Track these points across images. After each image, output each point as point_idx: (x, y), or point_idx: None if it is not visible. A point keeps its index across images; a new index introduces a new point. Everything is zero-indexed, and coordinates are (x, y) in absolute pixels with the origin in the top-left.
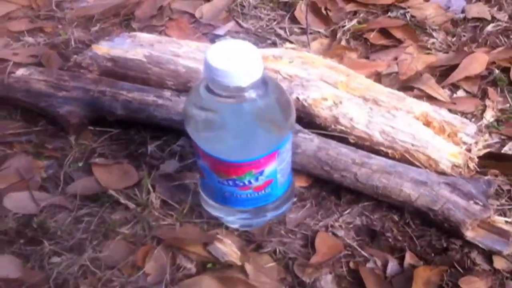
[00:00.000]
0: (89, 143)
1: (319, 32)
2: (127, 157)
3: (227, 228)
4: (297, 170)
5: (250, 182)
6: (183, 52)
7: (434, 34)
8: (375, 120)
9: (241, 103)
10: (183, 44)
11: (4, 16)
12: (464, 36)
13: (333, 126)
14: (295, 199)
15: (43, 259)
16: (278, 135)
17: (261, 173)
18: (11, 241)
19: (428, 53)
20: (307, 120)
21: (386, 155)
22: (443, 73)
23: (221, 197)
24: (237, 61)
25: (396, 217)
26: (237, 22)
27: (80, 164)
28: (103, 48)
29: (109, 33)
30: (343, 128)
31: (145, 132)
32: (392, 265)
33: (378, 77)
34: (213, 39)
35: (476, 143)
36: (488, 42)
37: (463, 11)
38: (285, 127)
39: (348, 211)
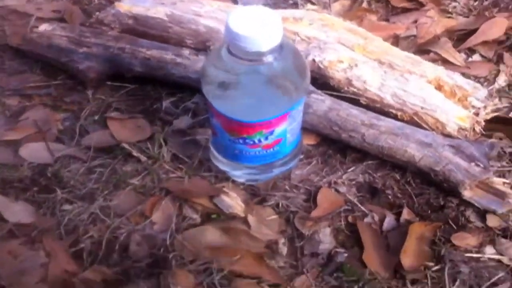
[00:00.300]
0: (106, 97)
1: None
2: (141, 112)
3: (233, 182)
4: (306, 129)
5: (260, 140)
6: (204, 12)
7: None
8: (388, 83)
9: (259, 65)
10: (205, 3)
11: None
12: (486, 0)
13: (346, 88)
14: (302, 156)
15: (55, 206)
16: (291, 98)
17: (272, 132)
18: (25, 189)
19: (449, 17)
20: (321, 81)
21: (395, 117)
22: (461, 37)
23: (231, 154)
24: (257, 26)
25: (398, 176)
26: None
27: (96, 118)
28: (125, 6)
29: None
30: (355, 90)
31: (161, 88)
32: (389, 220)
33: (396, 40)
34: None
35: (485, 107)
36: (510, 7)
37: None
38: (299, 91)
39: (352, 169)
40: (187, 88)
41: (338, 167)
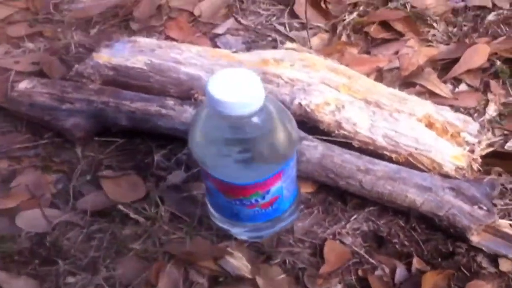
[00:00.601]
0: (95, 154)
1: (319, 26)
2: (134, 168)
3: (236, 239)
4: (302, 177)
5: (257, 200)
6: (184, 59)
7: (435, 25)
8: (377, 124)
9: (244, 128)
10: (183, 49)
11: (3, 20)
12: (465, 26)
13: (336, 131)
14: (302, 206)
15: (59, 279)
16: (282, 157)
17: (268, 192)
18: (26, 262)
19: (429, 46)
20: (310, 125)
21: (390, 159)
22: (444, 66)
23: (229, 213)
24: (238, 91)
25: (402, 222)
26: (236, 19)
27: (88, 178)
28: (104, 57)
29: (109, 35)
30: (346, 133)
31: (151, 141)
32: (400, 271)
33: (379, 73)
34: (213, 38)
35: (479, 142)
36: (490, 32)
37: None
38: (289, 148)
39: (354, 217)
40: (176, 138)
41: (340, 215)
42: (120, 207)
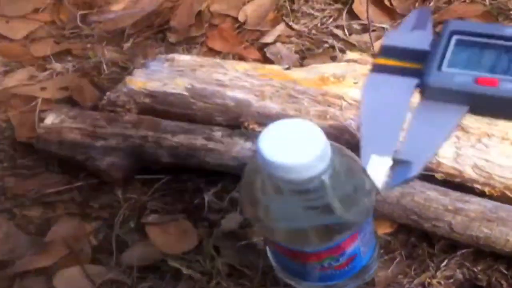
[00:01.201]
0: (138, 196)
1: (383, 28)
2: (182, 211)
3: None
4: (378, 217)
5: (330, 264)
6: (229, 80)
7: None
8: (464, 153)
9: (309, 191)
10: (228, 68)
11: (26, 37)
12: None
13: None
14: (381, 251)
15: None
16: (359, 214)
17: (342, 254)
18: None
19: None
20: None
21: (482, 193)
22: None
23: (297, 273)
24: (299, 150)
25: (503, 269)
26: (287, 24)
27: (132, 225)
28: (138, 82)
29: (144, 49)
30: (427, 164)
31: (199, 177)
32: None
33: None
34: (262, 47)
35: None
36: None
37: None
38: (366, 209)
39: (445, 262)
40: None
41: (428, 261)
42: (171, 262)
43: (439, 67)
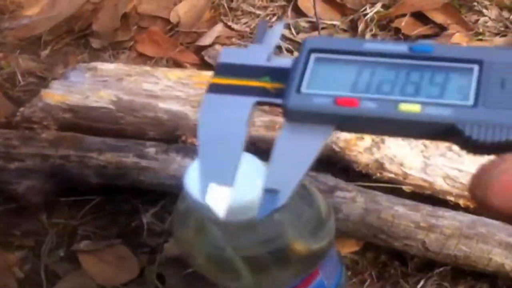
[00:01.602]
0: (66, 220)
1: (334, 25)
2: (118, 236)
3: None
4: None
5: None
6: (161, 90)
7: (485, 11)
8: (433, 162)
9: (255, 231)
10: (160, 76)
11: None
12: None
13: (378, 174)
14: (349, 273)
15: None
16: (315, 255)
17: None
18: None
19: (481, 39)
20: (341, 165)
21: (456, 205)
22: None
23: None
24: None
25: None
26: (225, 24)
27: (62, 253)
28: (55, 95)
29: (65, 57)
30: (392, 175)
31: (135, 196)
32: None
33: None
34: (199, 51)
35: None
36: None
37: None
38: (327, 243)
39: (421, 283)
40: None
41: (402, 281)
42: None
43: (298, 89)
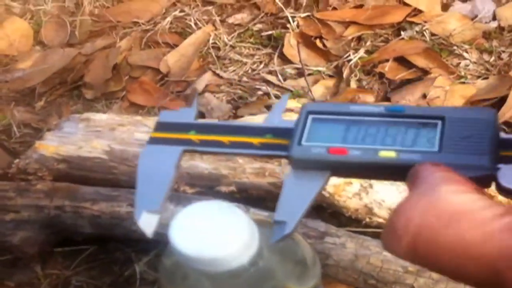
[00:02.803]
0: (60, 271)
1: (319, 71)
2: (112, 285)
3: None
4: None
5: None
6: None
7: (466, 54)
8: None
9: (241, 280)
10: (151, 126)
11: None
12: (503, 52)
13: (368, 219)
14: None
15: None
16: None
17: None
18: None
19: (463, 82)
20: (331, 210)
21: None
22: (489, 107)
23: None
24: (221, 239)
25: None
26: (214, 72)
27: None
28: (49, 147)
29: (59, 108)
30: (381, 220)
31: (128, 246)
32: None
33: None
34: (189, 99)
35: None
36: None
37: (494, 18)
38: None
39: None
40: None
41: None
42: None
43: (299, 142)
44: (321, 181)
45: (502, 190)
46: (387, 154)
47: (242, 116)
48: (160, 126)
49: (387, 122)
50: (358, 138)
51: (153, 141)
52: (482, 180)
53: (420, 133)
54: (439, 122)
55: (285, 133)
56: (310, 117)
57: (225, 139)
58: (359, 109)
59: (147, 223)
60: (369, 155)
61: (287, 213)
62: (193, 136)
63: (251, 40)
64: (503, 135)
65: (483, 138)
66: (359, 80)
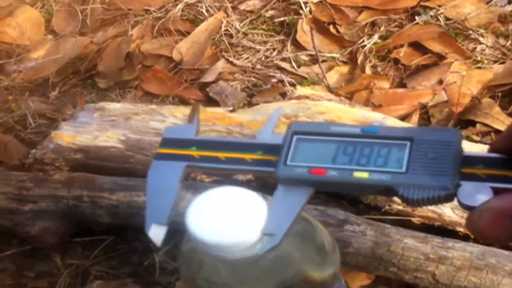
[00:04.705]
0: (79, 261)
1: (333, 57)
2: (131, 275)
3: None
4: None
5: None
6: None
7: (481, 39)
8: None
9: (259, 266)
10: (166, 114)
11: None
12: None
13: (387, 207)
14: None
15: None
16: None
17: None
18: None
19: (480, 67)
20: (350, 198)
21: (466, 237)
22: (506, 92)
23: None
24: (235, 222)
25: None
26: (227, 60)
27: None
28: (65, 136)
29: (74, 98)
30: (401, 207)
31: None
32: None
33: (425, 111)
34: (203, 87)
35: None
36: None
37: (510, 2)
38: (329, 276)
39: None
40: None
41: None
42: None
43: (285, 162)
44: (305, 197)
45: (461, 205)
46: (361, 175)
47: (257, 104)
48: (165, 142)
49: (362, 143)
50: (336, 158)
51: (159, 156)
52: (446, 198)
53: (390, 154)
54: (408, 143)
55: (274, 149)
56: (295, 137)
57: (222, 155)
58: (338, 130)
59: (156, 235)
60: (344, 175)
61: (275, 226)
62: (194, 152)
63: (264, 26)
64: (466, 152)
65: (447, 159)
66: (373, 66)
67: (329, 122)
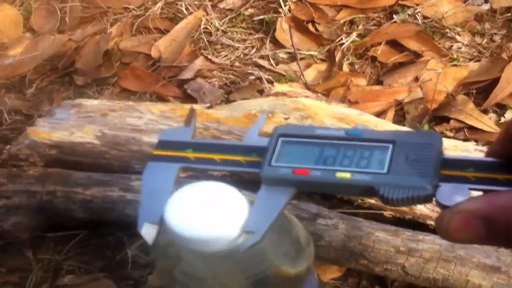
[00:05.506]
0: (52, 256)
1: (311, 55)
2: (103, 269)
3: None
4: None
5: None
6: (145, 124)
7: (458, 37)
8: None
9: (234, 260)
10: (143, 111)
11: None
12: (495, 34)
13: (360, 200)
14: None
15: None
16: (294, 280)
17: None
18: None
19: (456, 65)
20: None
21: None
22: (481, 90)
23: None
24: (214, 216)
25: None
26: (206, 57)
27: None
28: (41, 133)
29: (50, 95)
30: (373, 201)
31: (120, 230)
32: None
33: (400, 108)
34: (181, 84)
35: None
36: None
37: (486, 1)
38: (303, 269)
39: None
40: None
41: None
42: None
43: (270, 163)
44: (287, 196)
45: (439, 205)
46: (343, 175)
47: (234, 101)
48: (161, 144)
49: (346, 145)
50: (319, 159)
51: (154, 158)
52: (424, 198)
53: (373, 156)
54: (390, 146)
55: (259, 151)
56: (280, 139)
57: (217, 157)
58: (323, 133)
59: (148, 233)
60: (327, 176)
61: (256, 224)
62: (189, 154)
63: (243, 25)
64: (445, 155)
65: (428, 161)
66: (351, 64)
67: (314, 126)
